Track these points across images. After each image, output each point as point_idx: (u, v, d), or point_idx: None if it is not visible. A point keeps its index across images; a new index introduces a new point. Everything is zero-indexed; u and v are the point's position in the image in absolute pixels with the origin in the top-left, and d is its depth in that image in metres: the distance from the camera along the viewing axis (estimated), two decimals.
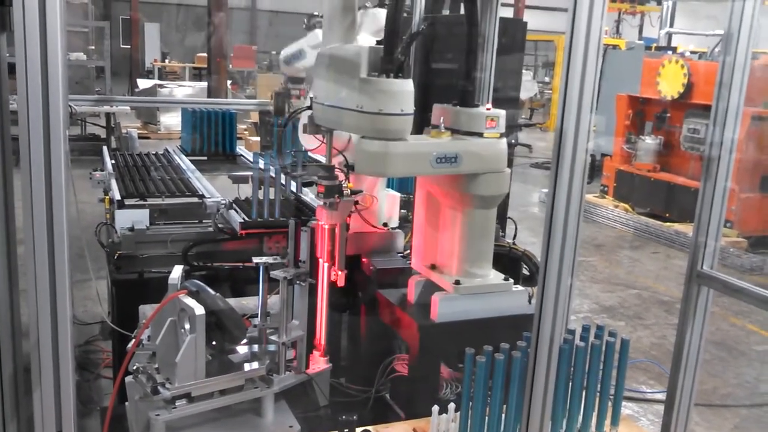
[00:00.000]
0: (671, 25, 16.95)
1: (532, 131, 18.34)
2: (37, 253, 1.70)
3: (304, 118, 3.21)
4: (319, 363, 3.11)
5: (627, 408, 4.64)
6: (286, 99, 4.93)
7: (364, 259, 3.63)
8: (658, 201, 9.68)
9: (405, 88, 2.81)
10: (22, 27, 1.63)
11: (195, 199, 4.07)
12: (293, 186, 4.34)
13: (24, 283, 1.84)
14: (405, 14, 4.89)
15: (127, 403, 2.84)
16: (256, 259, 2.94)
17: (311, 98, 3.15)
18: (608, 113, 10.61)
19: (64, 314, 1.73)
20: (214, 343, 2.72)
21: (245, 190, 4.26)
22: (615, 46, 15.79)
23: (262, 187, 3.82)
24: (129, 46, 22.18)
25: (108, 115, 11.10)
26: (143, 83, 16.66)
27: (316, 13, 3.57)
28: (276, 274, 2.86)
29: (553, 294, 2.16)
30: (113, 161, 4.89)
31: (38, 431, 1.80)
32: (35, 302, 1.72)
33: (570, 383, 2.51)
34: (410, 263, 3.51)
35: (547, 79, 23.56)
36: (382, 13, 3.80)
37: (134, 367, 2.66)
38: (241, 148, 5.89)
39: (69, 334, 1.76)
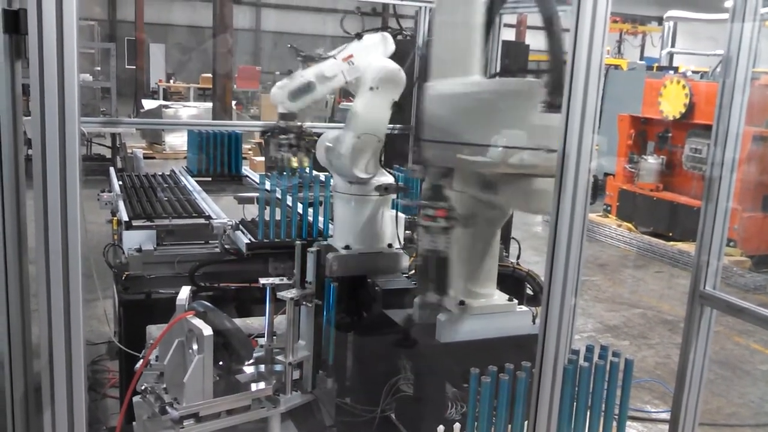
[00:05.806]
0: (673, 45, 17.06)
1: None
2: (52, 273, 1.72)
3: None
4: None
5: (632, 428, 4.63)
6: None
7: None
8: (661, 220, 9.69)
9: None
10: (38, 54, 1.68)
11: (202, 220, 4.10)
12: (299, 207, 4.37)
13: (34, 303, 1.87)
14: (408, 36, 4.96)
15: (134, 423, 2.86)
16: (263, 280, 2.96)
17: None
18: (610, 133, 10.65)
19: (77, 333, 1.76)
20: (221, 363, 2.74)
21: (251, 211, 4.29)
22: (617, 66, 15.88)
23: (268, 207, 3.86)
24: (134, 67, 22.34)
25: (113, 136, 11.18)
26: (148, 104, 16.80)
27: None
28: (283, 294, 2.89)
29: (557, 314, 2.17)
30: (120, 182, 4.94)
31: None
32: (48, 322, 1.75)
33: (574, 403, 2.52)
34: (414, 284, 3.53)
35: None
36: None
37: (142, 387, 2.68)
38: (246, 169, 5.93)
39: (82, 353, 1.79)
